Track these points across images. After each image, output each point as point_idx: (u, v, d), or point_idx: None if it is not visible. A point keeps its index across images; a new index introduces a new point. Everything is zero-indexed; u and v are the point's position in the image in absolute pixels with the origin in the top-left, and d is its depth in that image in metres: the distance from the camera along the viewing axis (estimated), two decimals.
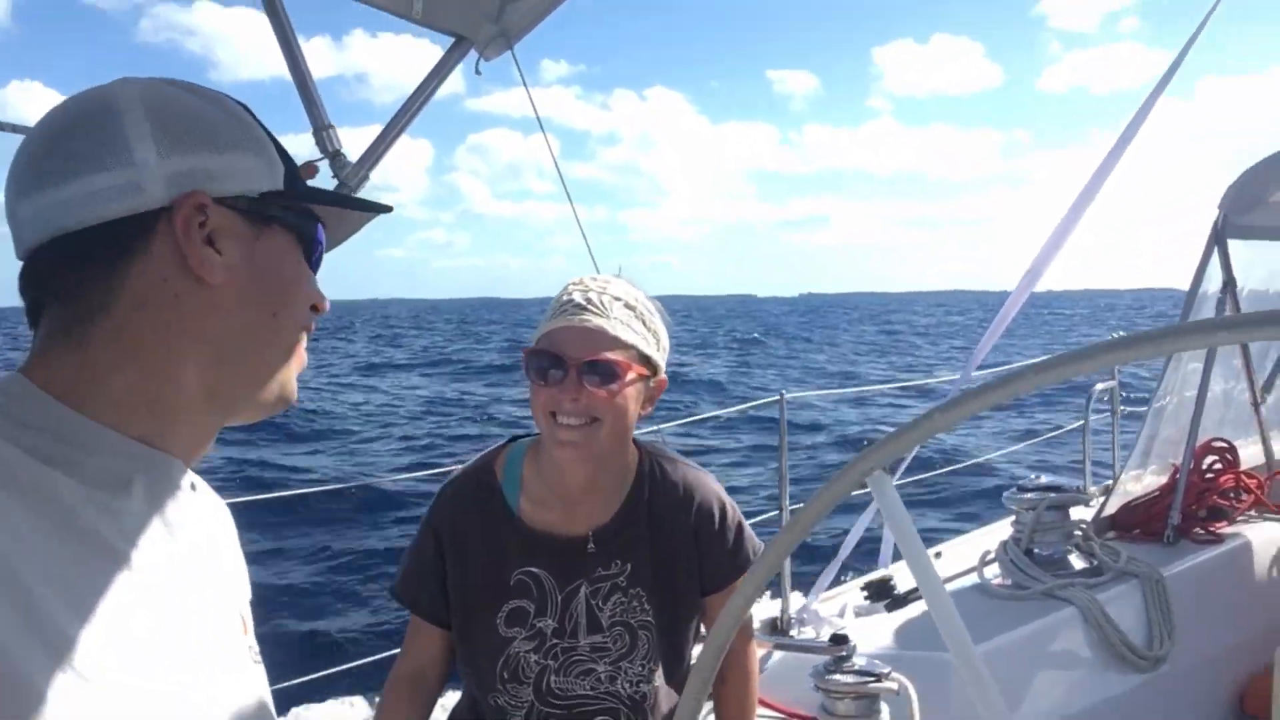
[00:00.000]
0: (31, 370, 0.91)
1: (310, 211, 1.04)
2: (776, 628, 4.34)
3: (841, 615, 4.15)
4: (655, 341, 1.78)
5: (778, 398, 4.28)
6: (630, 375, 1.72)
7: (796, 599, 4.36)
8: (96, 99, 0.93)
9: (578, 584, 1.81)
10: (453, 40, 2.07)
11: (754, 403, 5.05)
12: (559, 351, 1.70)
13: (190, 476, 1.00)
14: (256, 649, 1.07)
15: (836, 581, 4.34)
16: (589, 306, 1.72)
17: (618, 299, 1.75)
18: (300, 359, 1.03)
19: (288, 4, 1.80)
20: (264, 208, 0.98)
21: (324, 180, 1.92)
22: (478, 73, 2.08)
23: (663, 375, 1.81)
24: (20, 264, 0.94)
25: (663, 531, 1.84)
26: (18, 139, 1.01)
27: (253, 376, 0.98)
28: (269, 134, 1.02)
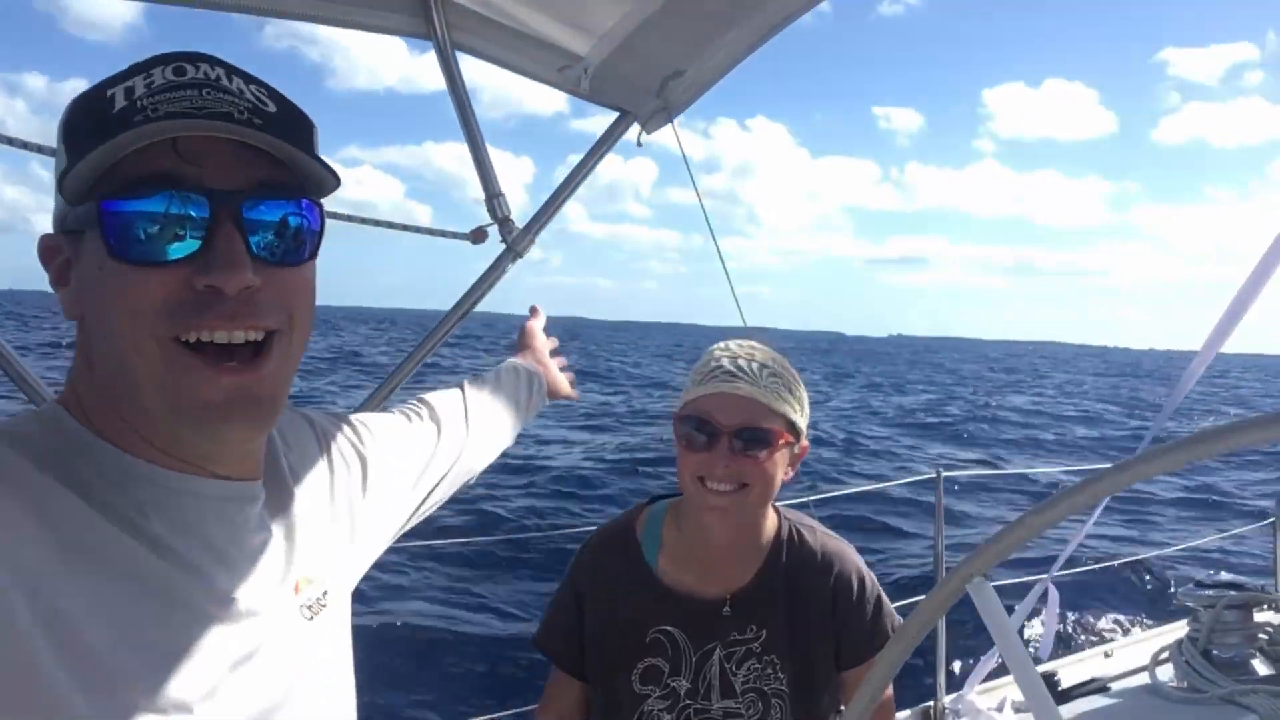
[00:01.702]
0: (66, 398, 0.95)
1: (115, 191, 0.87)
2: (929, 718, 4.17)
3: (1000, 709, 3.96)
4: (800, 409, 1.78)
5: (934, 475, 4.16)
6: (780, 443, 1.73)
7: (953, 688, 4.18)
8: None
9: (712, 646, 1.80)
10: (617, 114, 2.16)
11: (909, 479, 4.92)
12: (711, 418, 1.71)
13: (228, 485, 0.98)
14: (311, 606, 1.07)
15: (996, 673, 4.14)
16: (739, 374, 1.73)
17: (765, 366, 1.76)
18: (187, 364, 0.89)
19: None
20: (64, 219, 0.92)
21: (493, 244, 2.02)
22: (639, 144, 2.17)
23: (805, 441, 1.81)
24: None
25: (799, 599, 1.82)
26: None
27: (150, 402, 0.90)
28: (72, 124, 0.92)
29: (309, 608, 1.07)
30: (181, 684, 0.87)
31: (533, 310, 1.96)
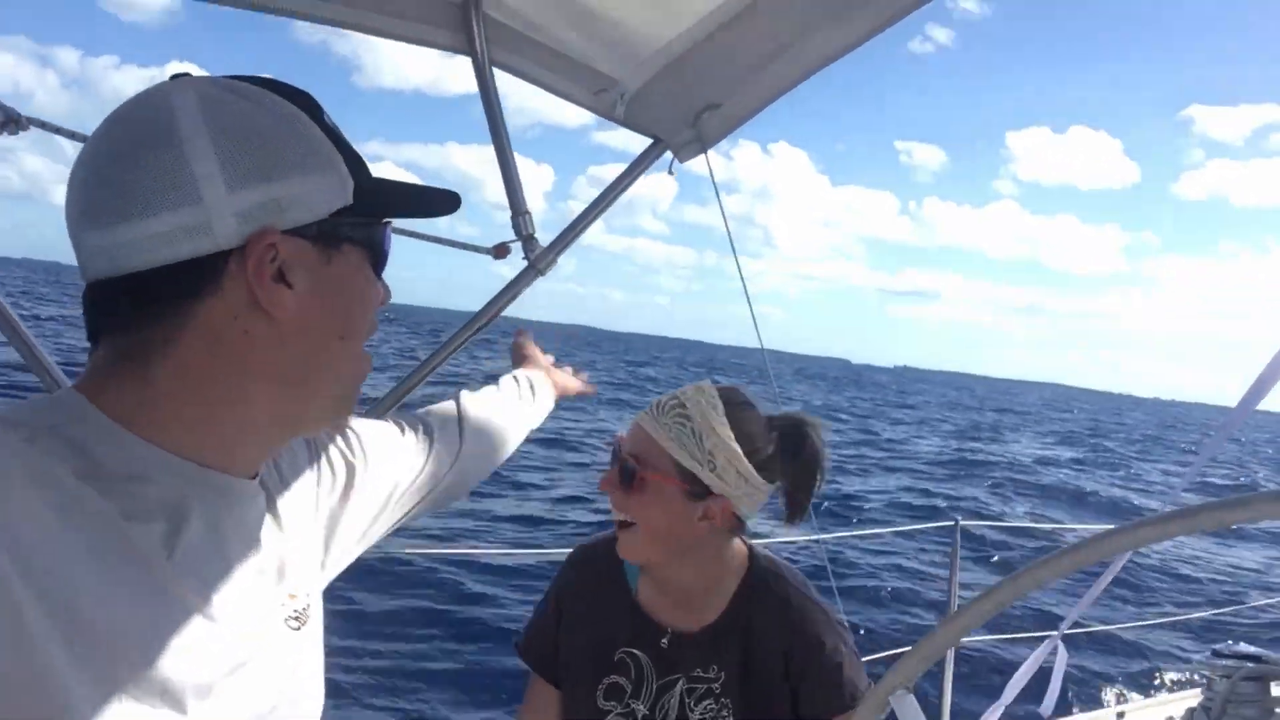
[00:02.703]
0: (90, 389, 0.91)
1: (379, 220, 1.03)
2: None
3: None
4: (707, 463, 1.69)
5: (952, 523, 4.11)
6: (653, 485, 1.69)
7: None
8: (154, 116, 0.90)
9: (676, 678, 1.80)
10: (650, 141, 2.17)
11: (927, 525, 4.86)
12: (618, 443, 1.77)
13: (249, 485, 1.01)
14: (298, 616, 1.08)
15: None
16: (651, 408, 1.74)
17: (681, 408, 1.71)
18: (365, 367, 1.04)
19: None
20: (335, 229, 0.97)
21: (515, 259, 2.03)
22: (670, 173, 2.17)
23: (722, 498, 1.70)
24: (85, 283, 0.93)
25: (754, 648, 1.78)
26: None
27: (320, 397, 1.00)
28: (335, 133, 0.99)
29: (296, 618, 1.08)
30: (179, 682, 0.86)
31: (518, 333, 1.99)
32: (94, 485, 0.85)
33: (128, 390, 0.92)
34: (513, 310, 2.04)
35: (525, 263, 2.04)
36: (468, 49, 1.88)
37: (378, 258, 1.03)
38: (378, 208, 1.02)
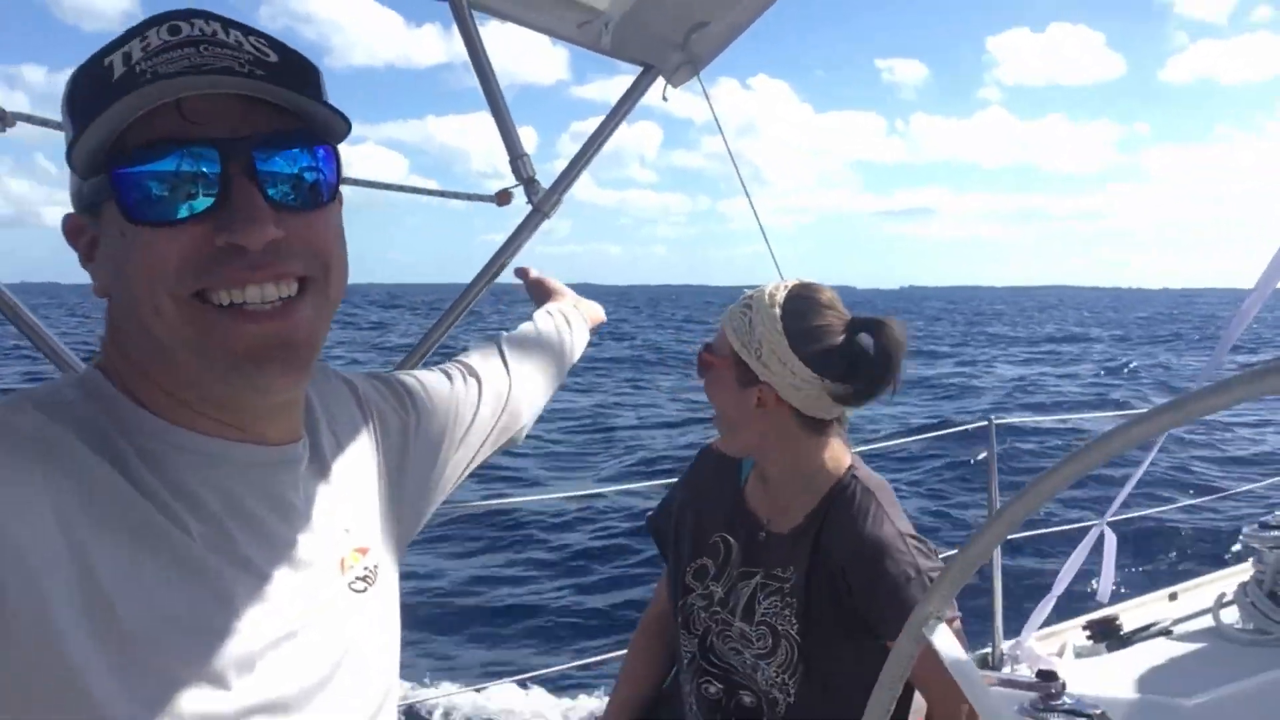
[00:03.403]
0: (106, 364, 0.95)
1: (122, 157, 0.86)
2: (987, 663, 4.14)
3: (1060, 654, 3.92)
4: (754, 350, 1.79)
5: (985, 423, 4.09)
6: (714, 370, 1.86)
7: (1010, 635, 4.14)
8: None
9: (755, 571, 1.89)
10: (640, 69, 2.12)
11: (960, 427, 4.85)
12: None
13: (270, 450, 0.98)
14: (366, 578, 1.07)
15: (1056, 618, 4.10)
16: (731, 308, 1.88)
17: (748, 302, 1.84)
18: (211, 319, 0.88)
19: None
20: (80, 194, 0.92)
21: (518, 206, 2.01)
22: (664, 99, 2.13)
23: (768, 382, 1.78)
24: None
25: (820, 555, 1.81)
26: None
27: (187, 366, 0.90)
28: (77, 94, 0.89)
29: (361, 579, 1.06)
30: (217, 659, 0.86)
31: (521, 272, 1.93)
32: (114, 464, 0.85)
33: (127, 363, 0.93)
34: (508, 277, 1.99)
35: (530, 207, 2.01)
36: None
37: (123, 201, 0.86)
38: (92, 136, 0.85)
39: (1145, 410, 0.78)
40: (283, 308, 0.90)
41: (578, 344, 1.78)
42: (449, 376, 1.44)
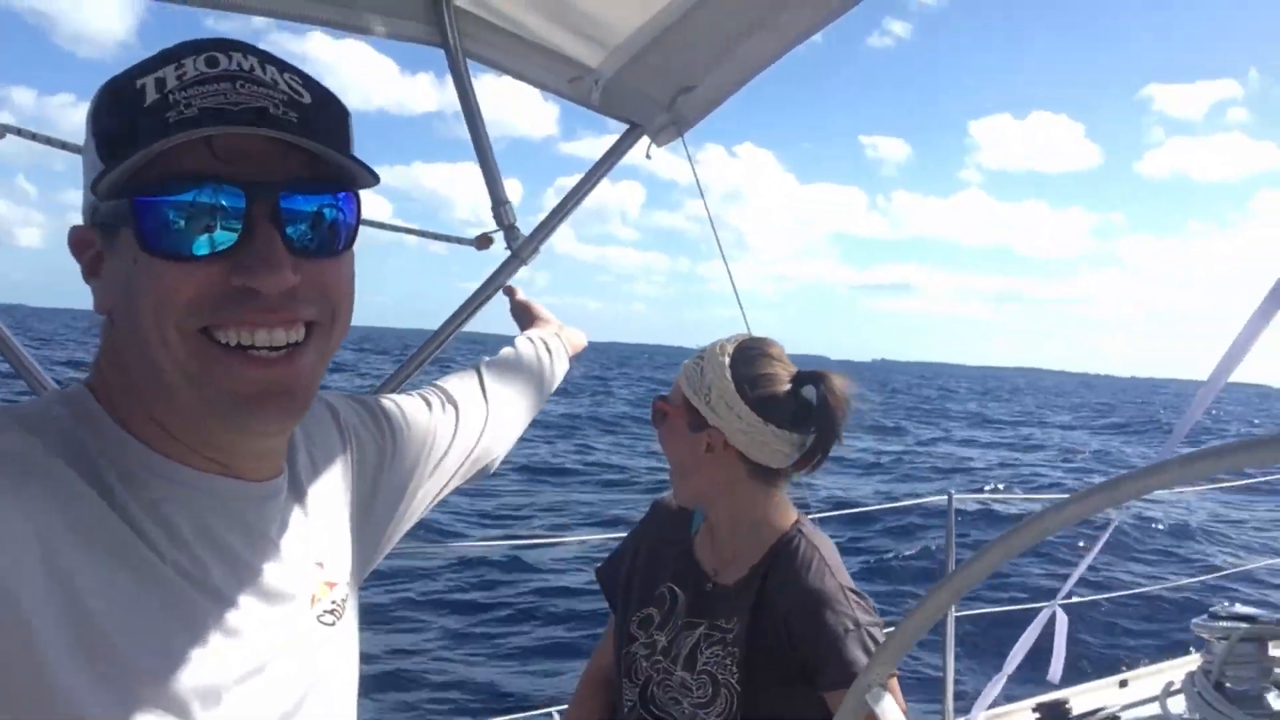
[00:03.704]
0: (96, 382, 0.94)
1: (140, 193, 0.85)
2: None
3: None
4: (703, 395, 1.84)
5: (945, 497, 4.13)
6: (668, 418, 1.91)
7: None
8: None
9: (700, 621, 1.89)
10: (627, 126, 2.17)
11: (920, 500, 4.88)
12: None
13: (248, 486, 0.97)
14: (334, 612, 1.07)
15: (1007, 699, 4.10)
16: (686, 361, 1.93)
17: (701, 353, 1.90)
18: (216, 356, 0.87)
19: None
20: (94, 215, 0.91)
21: (498, 250, 2.04)
22: (648, 157, 2.18)
23: (716, 427, 1.84)
24: None
25: (763, 607, 1.84)
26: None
27: (180, 399, 0.89)
28: (105, 113, 0.89)
29: (330, 612, 1.06)
30: (182, 689, 0.85)
31: (510, 292, 1.94)
32: (94, 485, 0.85)
33: (121, 385, 0.92)
34: (484, 327, 2.01)
35: (508, 253, 2.04)
36: (440, 41, 1.89)
37: (141, 231, 0.84)
38: (119, 169, 0.84)
39: (1083, 489, 0.81)
40: (287, 355, 0.89)
41: (558, 372, 1.80)
42: (428, 403, 1.42)
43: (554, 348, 1.80)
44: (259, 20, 1.78)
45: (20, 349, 1.68)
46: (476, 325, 2.07)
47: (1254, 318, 2.11)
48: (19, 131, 1.61)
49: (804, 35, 1.92)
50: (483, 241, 2.00)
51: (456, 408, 1.46)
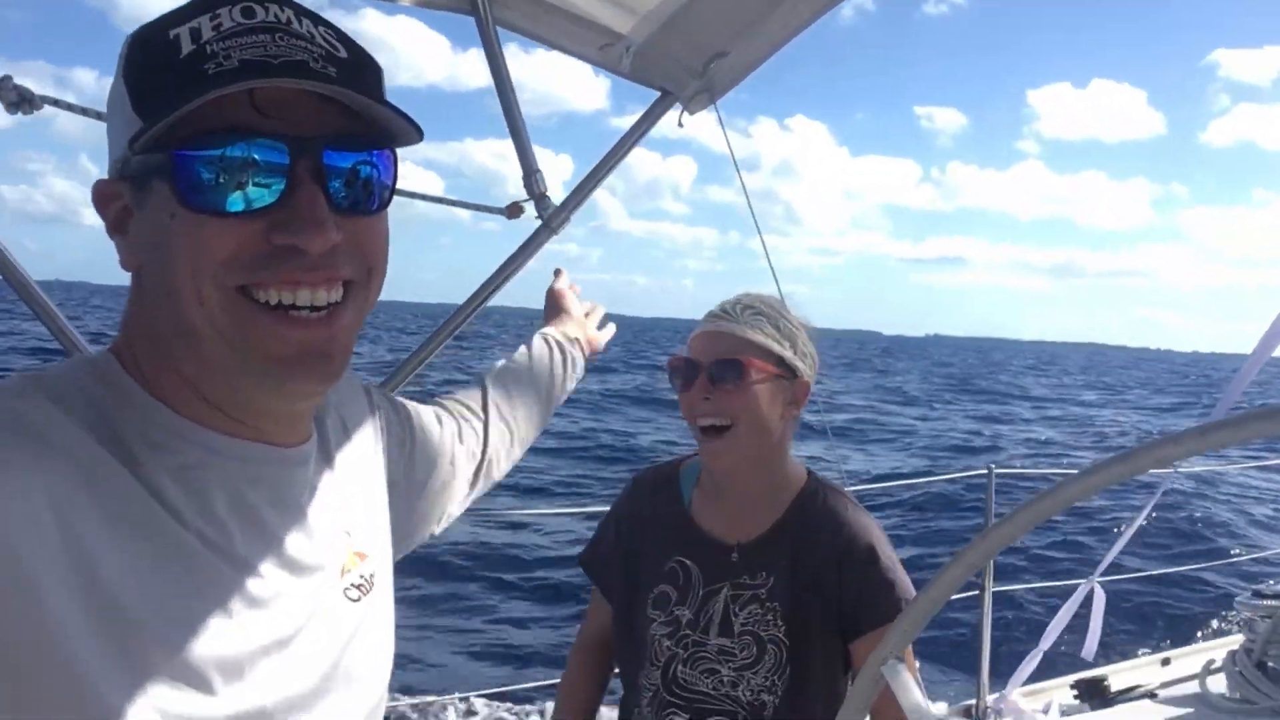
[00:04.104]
0: (119, 347, 0.92)
1: (178, 146, 0.82)
2: (970, 716, 4.11)
3: (1046, 711, 3.89)
4: (790, 344, 1.82)
5: (985, 471, 4.09)
6: (756, 373, 1.78)
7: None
8: None
9: (721, 585, 1.85)
10: (658, 94, 2.15)
11: (960, 474, 4.83)
12: (691, 356, 1.82)
13: (278, 451, 0.95)
14: (361, 585, 1.04)
15: (1048, 674, 4.07)
16: (720, 314, 1.83)
17: (749, 307, 1.83)
18: (255, 317, 0.85)
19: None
20: (127, 168, 0.87)
21: (528, 220, 2.03)
22: (680, 125, 2.16)
23: (805, 378, 1.84)
24: None
25: (805, 553, 1.83)
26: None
27: (211, 358, 0.87)
28: (138, 65, 0.86)
29: (357, 587, 1.04)
30: (203, 660, 0.83)
31: (557, 273, 1.88)
32: (117, 453, 0.83)
33: (148, 346, 0.90)
34: (537, 303, 1.98)
35: (539, 222, 2.04)
36: (470, 9, 1.88)
37: (179, 185, 0.82)
38: (162, 123, 0.81)
39: (1109, 457, 0.79)
40: (328, 315, 0.88)
41: (570, 380, 1.75)
42: (439, 419, 1.41)
43: (569, 354, 1.74)
44: None
45: (60, 315, 1.71)
46: (504, 299, 2.07)
47: None
48: (55, 102, 1.63)
49: (836, 0, 1.89)
50: (513, 210, 2.00)
51: (462, 427, 1.45)
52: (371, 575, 1.06)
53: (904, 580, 1.80)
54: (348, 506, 1.06)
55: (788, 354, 1.81)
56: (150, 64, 0.84)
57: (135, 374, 0.89)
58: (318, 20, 0.88)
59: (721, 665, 1.84)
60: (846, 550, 1.80)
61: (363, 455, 1.13)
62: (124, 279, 0.93)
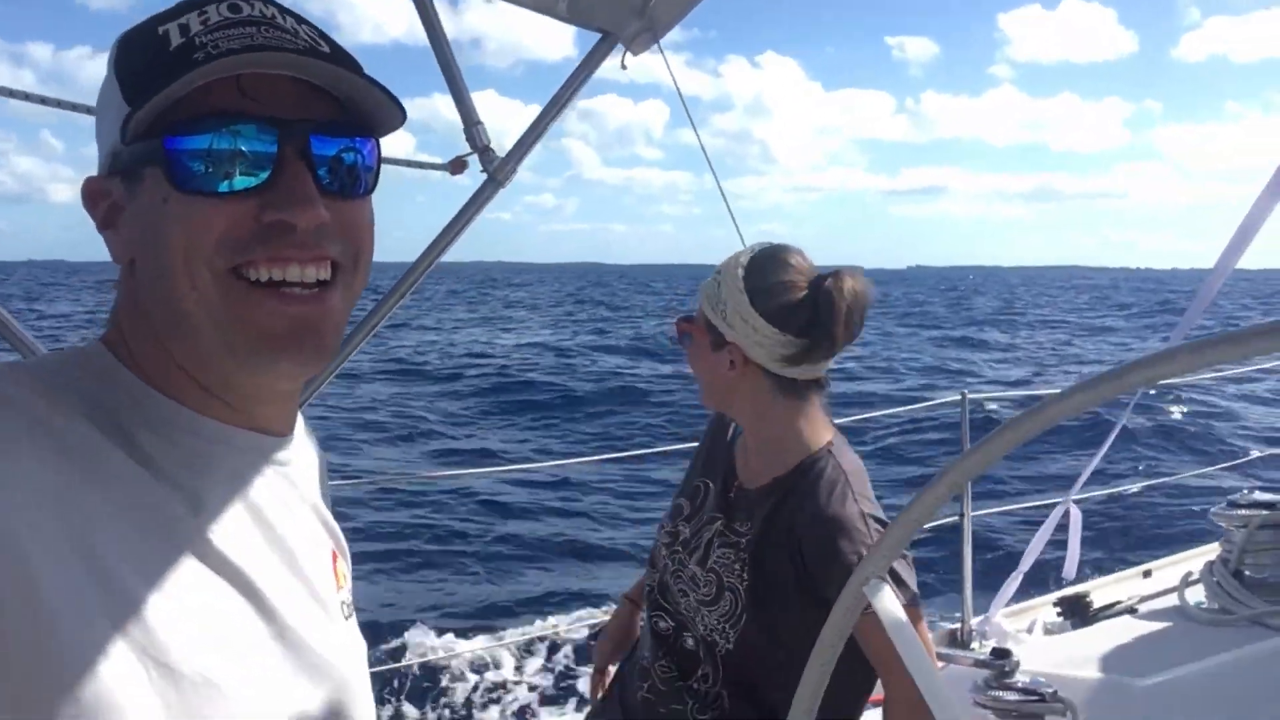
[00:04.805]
0: (112, 338, 0.92)
1: (168, 132, 0.85)
2: (956, 638, 4.17)
3: (1030, 630, 3.94)
4: (720, 310, 1.87)
5: (958, 398, 4.09)
6: (691, 337, 1.95)
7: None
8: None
9: (718, 518, 1.94)
10: (599, 36, 2.09)
11: (932, 402, 4.85)
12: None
13: (277, 442, 0.97)
14: (349, 603, 1.04)
15: (1031, 594, 4.12)
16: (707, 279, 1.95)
17: (719, 270, 1.91)
18: (246, 294, 0.87)
19: None
20: (118, 161, 0.89)
21: (474, 173, 1.98)
22: (624, 67, 2.09)
23: (734, 342, 1.86)
24: None
25: (779, 518, 1.84)
26: None
27: (206, 340, 0.88)
28: (127, 58, 0.90)
29: (346, 604, 1.03)
30: (213, 660, 0.81)
31: None
32: (119, 443, 0.82)
33: (142, 337, 0.90)
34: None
35: (485, 175, 1.98)
36: None
37: (172, 169, 0.85)
38: (150, 103, 0.84)
39: (1089, 377, 0.77)
40: (318, 293, 0.89)
41: None
42: None
43: None
44: None
45: (12, 320, 1.66)
46: (453, 254, 2.03)
47: (1259, 201, 2.04)
48: (27, 96, 1.56)
49: None
50: (457, 165, 1.94)
51: None
52: (352, 603, 1.05)
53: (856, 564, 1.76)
54: (324, 520, 1.06)
55: (715, 318, 1.87)
56: (141, 57, 0.88)
57: (131, 365, 0.89)
58: (300, 19, 0.92)
59: (690, 591, 1.92)
60: (812, 530, 1.79)
61: (317, 481, 1.11)
62: (104, 253, 0.94)
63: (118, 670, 0.74)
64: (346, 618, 1.03)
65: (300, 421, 1.12)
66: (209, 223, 0.85)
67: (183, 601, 0.80)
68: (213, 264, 0.85)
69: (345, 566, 1.08)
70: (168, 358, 0.90)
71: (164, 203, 0.85)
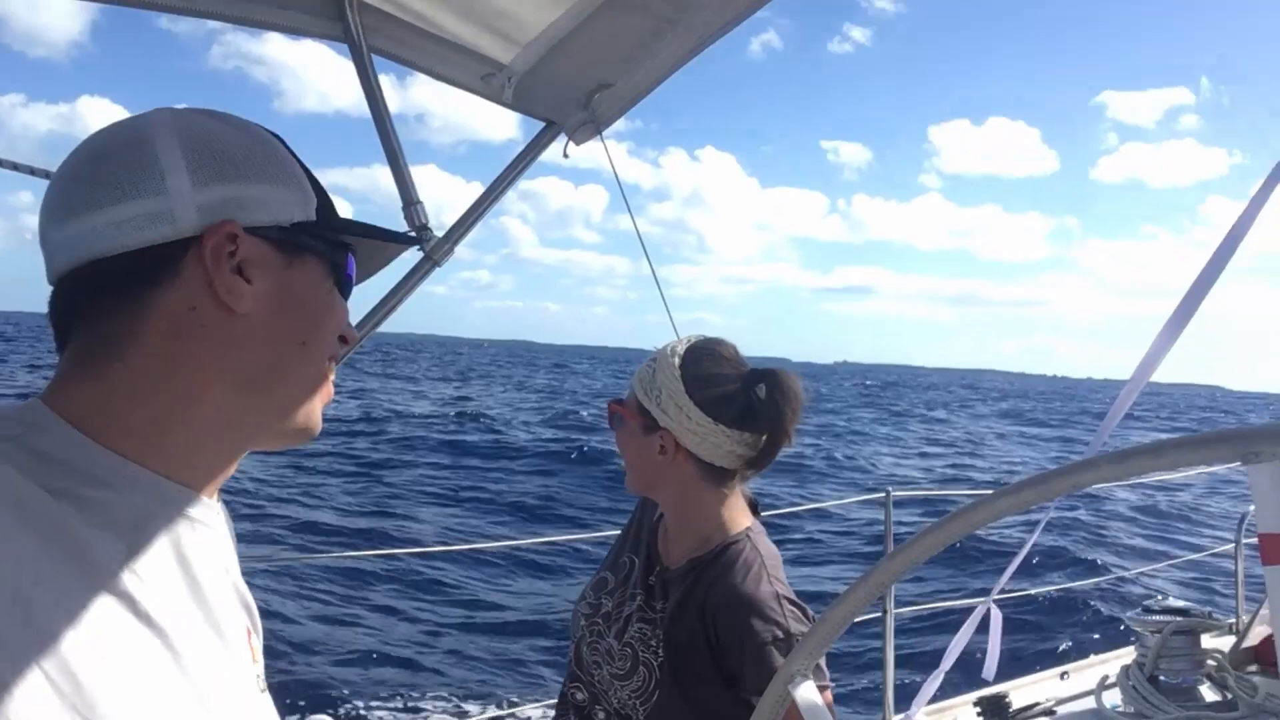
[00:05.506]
0: (53, 397, 0.89)
1: (342, 243, 1.02)
2: None
3: None
4: (654, 396, 1.89)
5: (883, 495, 4.13)
6: (623, 421, 1.96)
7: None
8: (131, 127, 0.93)
9: (639, 595, 1.95)
10: (543, 125, 2.13)
11: (859, 498, 4.89)
12: None
13: (211, 506, 0.97)
14: (263, 676, 1.02)
15: (951, 693, 4.12)
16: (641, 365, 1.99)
17: (653, 357, 1.95)
18: (327, 390, 1.02)
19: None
20: (295, 237, 0.97)
21: (411, 253, 1.98)
22: (565, 156, 2.13)
23: (665, 428, 1.88)
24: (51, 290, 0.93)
25: (691, 600, 1.85)
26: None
27: (277, 406, 0.97)
28: (303, 165, 1.02)
29: (260, 677, 1.01)
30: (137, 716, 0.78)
31: None
32: (54, 495, 0.80)
33: (87, 393, 0.88)
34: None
35: (420, 254, 1.99)
36: (343, 36, 1.83)
37: (340, 276, 1.02)
38: (337, 226, 1.02)
39: (1014, 483, 0.78)
40: None
41: None
42: None
43: None
44: (214, 23, 1.77)
45: None
46: (389, 326, 2.02)
47: (1169, 323, 2.13)
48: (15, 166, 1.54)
49: (718, 33, 1.89)
50: None
51: None
52: (263, 675, 1.03)
53: (775, 656, 1.73)
54: (241, 593, 1.05)
55: (649, 404, 1.90)
56: (296, 160, 1.02)
57: (66, 415, 0.87)
58: None
59: (605, 664, 1.92)
60: (725, 611, 1.79)
61: (230, 549, 1.09)
62: (31, 304, 0.93)
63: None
64: (261, 691, 1.00)
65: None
66: (339, 320, 1.02)
67: (110, 655, 0.78)
68: (332, 350, 1.02)
69: (258, 641, 1.05)
70: (127, 419, 0.88)
71: (329, 293, 1.00)
